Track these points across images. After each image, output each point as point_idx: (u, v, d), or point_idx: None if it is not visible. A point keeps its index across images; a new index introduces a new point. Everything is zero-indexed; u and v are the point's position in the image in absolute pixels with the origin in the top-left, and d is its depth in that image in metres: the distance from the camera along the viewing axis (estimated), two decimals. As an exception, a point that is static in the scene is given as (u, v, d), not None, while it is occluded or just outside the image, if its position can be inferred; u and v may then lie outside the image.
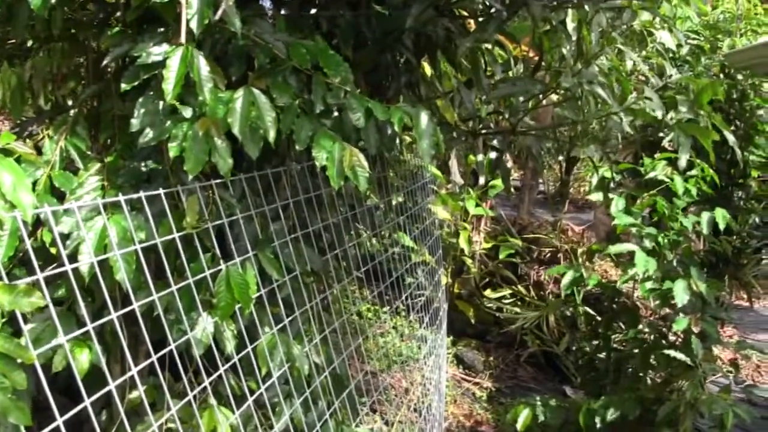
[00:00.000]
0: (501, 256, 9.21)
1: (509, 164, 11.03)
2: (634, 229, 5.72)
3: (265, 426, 3.16)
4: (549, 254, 9.84)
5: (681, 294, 5.19)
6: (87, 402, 1.71)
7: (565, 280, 5.94)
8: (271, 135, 2.69)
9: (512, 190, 13.24)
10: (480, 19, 4.32)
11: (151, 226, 2.54)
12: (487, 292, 9.42)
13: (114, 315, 1.96)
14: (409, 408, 6.32)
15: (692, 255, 5.71)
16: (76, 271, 2.42)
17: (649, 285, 5.47)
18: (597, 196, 6.11)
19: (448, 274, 8.88)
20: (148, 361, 2.13)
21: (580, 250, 9.72)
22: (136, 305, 2.07)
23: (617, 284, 5.87)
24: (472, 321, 9.09)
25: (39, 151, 2.89)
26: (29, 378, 2.07)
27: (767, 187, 8.89)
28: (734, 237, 7.79)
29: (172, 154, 2.57)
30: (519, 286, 9.49)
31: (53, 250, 2.63)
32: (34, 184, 2.66)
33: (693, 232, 6.12)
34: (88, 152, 2.99)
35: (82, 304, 1.98)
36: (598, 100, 4.61)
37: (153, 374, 3.11)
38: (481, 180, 8.99)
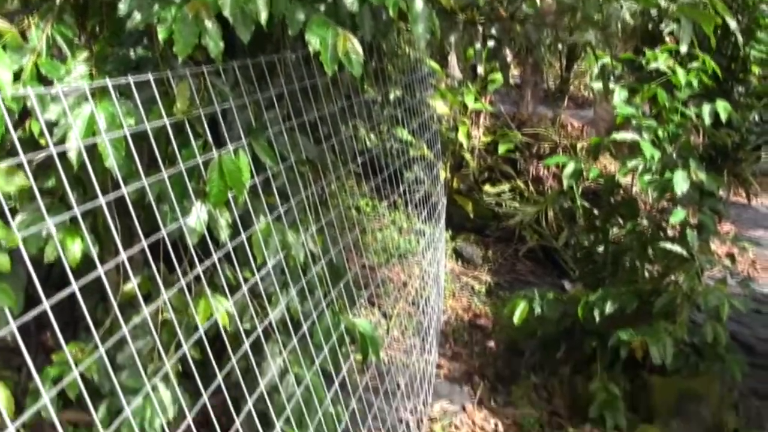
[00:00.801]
0: (500, 151, 9.17)
1: (509, 59, 10.91)
2: (634, 122, 5.66)
3: (260, 315, 3.15)
4: (548, 150, 9.79)
5: (681, 183, 5.15)
6: (75, 286, 1.67)
7: (567, 171, 5.90)
8: (263, 17, 2.62)
9: (512, 86, 13.16)
10: None
11: (141, 112, 2.49)
12: (486, 187, 9.40)
13: (103, 200, 1.92)
14: (408, 301, 6.35)
15: (691, 148, 5.66)
16: (65, 160, 2.39)
17: (647, 177, 5.43)
18: (597, 85, 6.04)
19: (446, 168, 8.84)
20: (138, 247, 2.09)
21: (579, 145, 9.67)
22: (125, 190, 2.03)
23: (617, 176, 5.82)
24: (471, 216, 9.08)
25: (25, 39, 2.82)
26: (21, 271, 2.05)
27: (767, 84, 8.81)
28: (735, 131, 7.72)
29: (161, 36, 2.51)
30: (518, 181, 9.47)
31: (42, 142, 2.58)
32: (20, 72, 2.60)
33: (692, 126, 6.07)
34: (76, 40, 2.93)
35: (70, 192, 1.94)
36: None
37: (147, 266, 3.10)
38: (479, 70, 8.91)
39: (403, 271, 7.08)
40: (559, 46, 9.34)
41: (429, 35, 3.02)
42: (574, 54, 12.81)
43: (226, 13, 2.54)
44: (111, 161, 2.41)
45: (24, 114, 2.65)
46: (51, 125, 2.48)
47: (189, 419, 2.08)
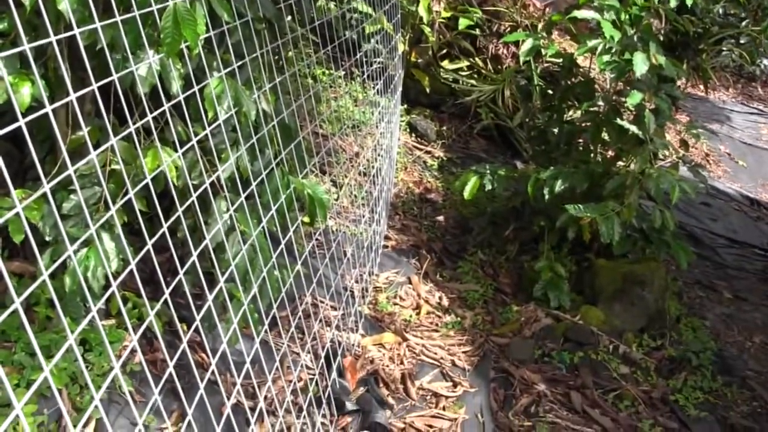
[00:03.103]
0: (460, 27, 9.08)
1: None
2: (596, 2, 5.62)
3: (209, 172, 3.15)
4: (509, 28, 9.72)
5: (640, 65, 5.14)
6: (22, 121, 1.65)
7: (525, 47, 5.86)
8: None
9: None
10: None
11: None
12: (444, 63, 9.34)
13: (54, 39, 1.88)
14: (359, 172, 6.36)
15: (653, 31, 5.65)
16: (19, 4, 2.34)
17: (606, 58, 5.42)
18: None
19: (405, 42, 8.78)
20: (88, 90, 2.06)
21: (540, 25, 9.61)
22: (77, 31, 1.99)
23: (574, 54, 5.79)
24: (428, 91, 9.07)
25: None
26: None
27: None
28: (697, 20, 7.71)
29: None
30: (477, 59, 9.42)
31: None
32: None
33: (655, 10, 6.04)
34: None
35: (22, 33, 1.90)
36: None
37: (99, 117, 3.07)
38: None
39: (356, 142, 7.08)
40: None
41: None
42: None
43: None
44: (64, 4, 2.37)
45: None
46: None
47: (132, 265, 2.09)
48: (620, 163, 6.01)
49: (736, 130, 13.02)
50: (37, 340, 1.76)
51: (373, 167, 5.85)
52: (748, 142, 12.61)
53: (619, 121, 5.62)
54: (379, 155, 5.97)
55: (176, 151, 2.72)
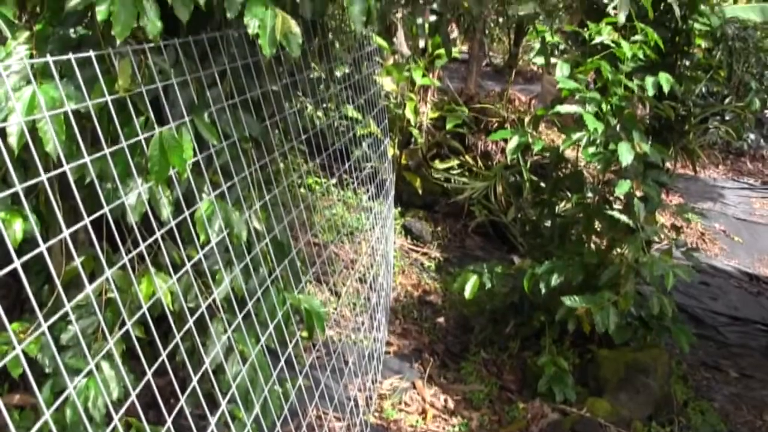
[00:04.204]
0: (448, 127, 9.18)
1: (454, 34, 10.95)
2: (578, 95, 5.69)
3: (205, 294, 3.16)
4: (496, 124, 9.83)
5: (625, 155, 5.18)
6: (17, 263, 1.68)
7: (511, 145, 5.90)
8: (202, -2, 2.63)
9: (460, 61, 13.18)
10: None
11: (83, 92, 2.47)
12: (435, 163, 9.43)
13: (44, 177, 1.92)
14: (356, 279, 6.37)
15: (635, 120, 5.70)
16: (7, 140, 2.37)
17: (591, 150, 5.47)
18: (539, 60, 6.07)
19: (395, 145, 8.87)
20: (80, 225, 2.09)
21: (526, 119, 9.72)
22: (67, 167, 2.03)
23: (560, 148, 5.85)
24: (420, 192, 9.14)
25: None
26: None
27: (711, 58, 8.89)
28: (678, 104, 7.79)
29: (100, 18, 2.50)
30: (466, 157, 9.51)
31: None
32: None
33: (637, 98, 6.11)
34: (16, 21, 2.90)
35: (12, 169, 1.93)
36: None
37: (91, 246, 3.09)
38: (421, 43, 8.93)
39: (352, 249, 7.10)
40: (508, 20, 9.39)
41: (365, 17, 3.03)
42: (522, 29, 12.88)
43: (165, -8, 2.55)
44: (51, 146, 2.41)
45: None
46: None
47: (133, 396, 2.09)
48: (617, 250, 6.03)
49: (729, 207, 13.08)
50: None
51: (370, 274, 5.87)
52: (742, 218, 12.67)
53: (609, 211, 5.66)
54: (375, 261, 5.99)
55: (170, 274, 2.74)
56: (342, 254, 6.98)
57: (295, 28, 2.79)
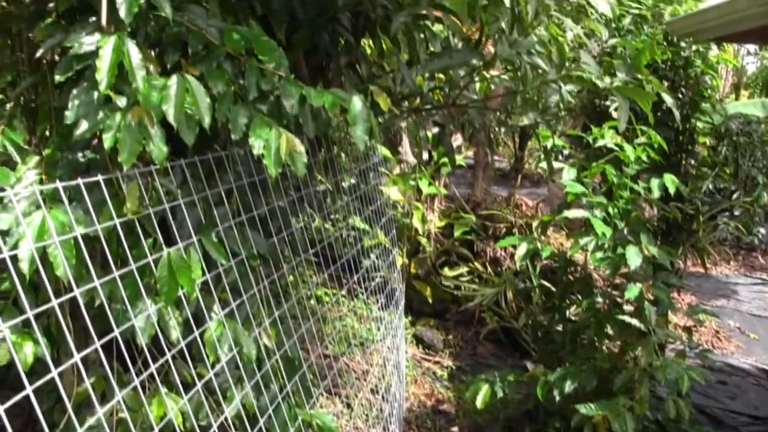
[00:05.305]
0: (456, 234, 9.22)
1: (459, 141, 11.06)
2: (584, 199, 5.73)
3: (216, 412, 3.16)
4: (504, 230, 9.86)
5: (633, 258, 5.20)
6: (29, 389, 1.70)
7: (519, 252, 5.92)
8: (206, 121, 2.68)
9: (465, 167, 13.28)
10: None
11: (92, 216, 2.52)
12: (444, 271, 9.43)
13: (55, 302, 1.95)
14: (369, 390, 6.33)
15: (642, 222, 5.73)
16: (17, 265, 2.41)
17: (599, 255, 5.49)
18: (543, 166, 6.12)
19: (403, 254, 8.89)
20: (91, 349, 2.11)
21: (534, 224, 9.75)
22: (77, 291, 2.06)
23: (568, 253, 5.86)
24: (430, 300, 9.12)
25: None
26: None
27: (716, 155, 8.98)
28: (685, 203, 7.84)
29: (106, 145, 2.55)
30: (476, 263, 9.51)
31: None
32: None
33: (644, 200, 6.15)
34: (26, 146, 2.96)
35: (22, 294, 1.96)
36: (537, 69, 4.62)
37: (102, 366, 3.11)
38: (425, 155, 9.02)
39: (364, 360, 7.08)
40: (511, 125, 9.48)
41: (367, 137, 3.08)
42: (527, 133, 13.01)
43: (171, 119, 2.60)
44: (62, 270, 2.44)
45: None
46: (2, 234, 2.51)
47: None
48: (630, 354, 5.99)
49: (743, 303, 12.99)
50: None
51: (382, 384, 5.85)
52: (756, 314, 12.56)
53: (620, 315, 5.64)
54: (387, 371, 5.97)
55: (180, 393, 2.75)
56: (353, 365, 6.96)
57: (300, 147, 2.83)
